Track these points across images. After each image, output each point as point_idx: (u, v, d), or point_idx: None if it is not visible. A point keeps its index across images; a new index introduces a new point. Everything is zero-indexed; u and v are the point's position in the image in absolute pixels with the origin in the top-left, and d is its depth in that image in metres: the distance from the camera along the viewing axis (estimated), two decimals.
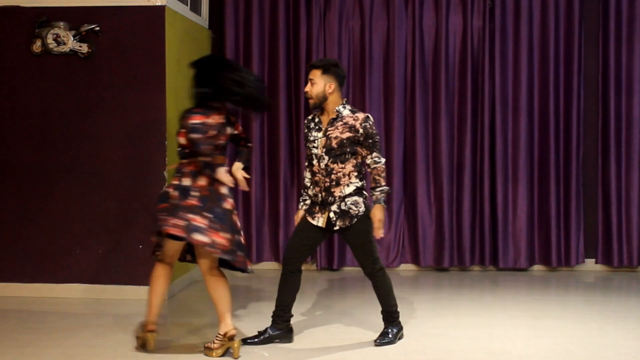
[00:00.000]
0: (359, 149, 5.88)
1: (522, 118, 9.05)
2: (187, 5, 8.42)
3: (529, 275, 8.95)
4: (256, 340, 6.07)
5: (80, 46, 7.53)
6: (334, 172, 5.86)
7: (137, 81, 7.53)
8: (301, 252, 6.09)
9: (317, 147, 5.92)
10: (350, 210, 5.87)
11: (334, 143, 5.85)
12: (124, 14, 7.57)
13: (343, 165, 5.85)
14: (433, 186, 9.16)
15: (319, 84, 5.88)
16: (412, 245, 9.22)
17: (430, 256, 9.18)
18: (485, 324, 6.70)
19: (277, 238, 9.20)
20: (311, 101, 5.94)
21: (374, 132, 5.88)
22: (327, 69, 5.90)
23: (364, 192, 5.95)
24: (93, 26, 7.53)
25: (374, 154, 5.87)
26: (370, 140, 5.85)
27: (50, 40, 7.52)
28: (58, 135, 7.60)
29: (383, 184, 5.90)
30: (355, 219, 5.90)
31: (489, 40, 9.05)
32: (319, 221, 5.95)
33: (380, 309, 6.18)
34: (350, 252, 9.16)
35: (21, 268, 7.67)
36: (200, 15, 8.98)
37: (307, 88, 5.94)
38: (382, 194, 5.88)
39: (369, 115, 5.94)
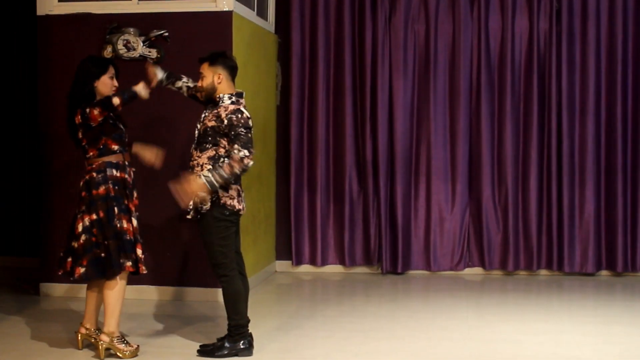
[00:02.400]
0: (222, 140, 5.60)
1: (590, 121, 8.96)
2: (254, 11, 8.51)
3: (596, 280, 8.86)
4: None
5: (149, 51, 7.66)
6: (192, 158, 5.71)
7: None
8: None
9: (196, 132, 5.78)
10: (196, 204, 5.66)
11: (201, 129, 5.70)
12: (192, 19, 7.68)
13: (200, 155, 5.64)
14: (498, 189, 9.12)
15: (208, 77, 5.70)
16: (478, 249, 9.18)
17: (496, 260, 9.14)
18: (552, 330, 6.66)
19: (342, 240, 9.25)
20: (202, 94, 5.78)
21: (240, 125, 5.55)
22: (214, 60, 5.73)
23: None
24: (162, 32, 7.65)
25: (235, 146, 5.51)
26: (233, 132, 5.53)
27: (120, 46, 7.66)
28: (128, 139, 7.71)
29: (225, 170, 5.50)
30: (199, 215, 5.67)
31: (555, 43, 8.98)
32: None
33: None
34: (415, 256, 9.19)
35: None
36: (267, 20, 9.07)
37: (199, 83, 5.77)
38: (211, 173, 5.49)
39: (243, 110, 5.65)
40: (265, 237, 8.86)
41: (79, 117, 5.67)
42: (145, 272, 5.86)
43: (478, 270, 9.21)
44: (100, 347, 5.76)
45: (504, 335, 6.46)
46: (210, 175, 5.50)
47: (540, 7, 9.01)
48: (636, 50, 8.95)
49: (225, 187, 5.60)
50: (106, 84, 5.82)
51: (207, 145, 5.63)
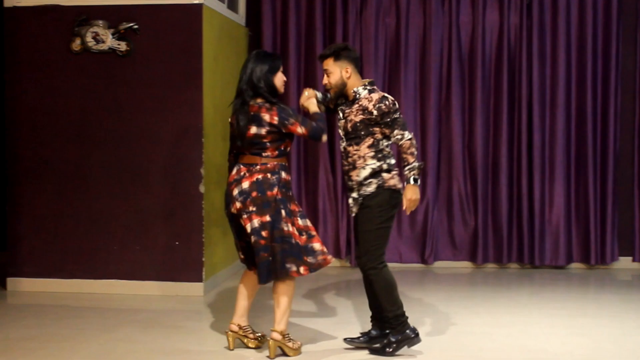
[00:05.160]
0: (376, 129, 5.59)
1: (560, 115, 9.01)
2: (225, 3, 8.47)
3: (567, 273, 8.91)
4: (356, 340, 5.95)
5: (118, 44, 7.60)
6: (350, 155, 5.69)
7: (175, 79, 7.59)
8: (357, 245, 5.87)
9: (340, 130, 5.78)
10: (363, 196, 5.66)
11: (349, 126, 5.67)
12: (162, 12, 7.63)
13: (358, 148, 5.61)
14: (469, 183, 9.14)
15: (335, 73, 5.66)
16: (448, 243, 9.22)
17: (466, 253, 9.17)
18: (521, 322, 6.68)
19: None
20: (332, 91, 5.74)
21: (391, 110, 5.55)
22: (338, 54, 5.66)
23: (383, 174, 5.64)
24: (131, 24, 7.60)
25: (395, 132, 5.56)
26: (388, 119, 5.54)
27: (89, 38, 7.60)
28: (96, 132, 7.68)
29: (411, 161, 5.56)
30: (363, 202, 5.65)
31: (526, 37, 9.02)
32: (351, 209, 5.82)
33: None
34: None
35: (60, 264, 7.76)
36: (238, 13, 9.03)
37: (325, 80, 5.73)
38: (412, 172, 5.56)
39: (386, 95, 5.61)
40: None
41: (275, 117, 5.49)
42: (331, 261, 5.72)
43: (447, 263, 9.24)
44: (271, 345, 5.62)
45: (472, 328, 6.47)
46: (412, 173, 5.58)
47: (510, 1, 9.05)
48: (606, 44, 9.00)
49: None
50: (280, 79, 5.67)
51: (363, 137, 5.63)
